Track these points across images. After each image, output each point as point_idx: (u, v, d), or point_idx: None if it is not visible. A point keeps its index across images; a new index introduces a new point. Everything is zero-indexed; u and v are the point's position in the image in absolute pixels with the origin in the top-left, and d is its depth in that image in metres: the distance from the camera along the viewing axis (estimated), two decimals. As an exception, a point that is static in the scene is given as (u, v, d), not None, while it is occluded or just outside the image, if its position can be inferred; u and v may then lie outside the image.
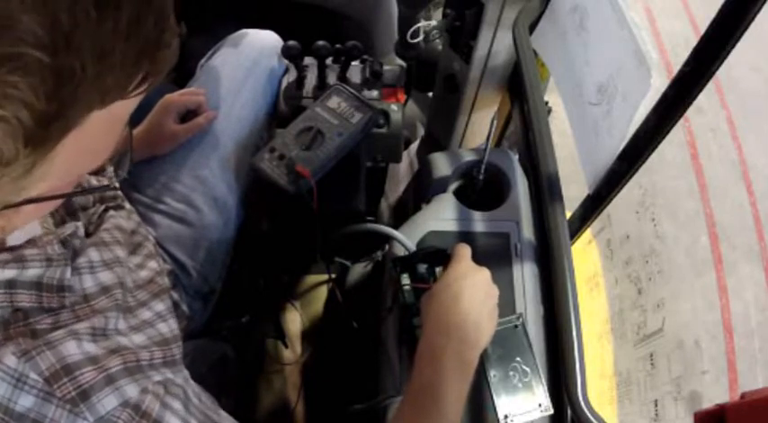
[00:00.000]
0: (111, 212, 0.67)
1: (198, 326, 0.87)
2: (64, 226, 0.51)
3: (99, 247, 0.56)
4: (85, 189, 0.54)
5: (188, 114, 0.87)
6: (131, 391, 0.43)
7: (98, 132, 0.33)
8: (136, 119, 0.85)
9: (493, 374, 0.66)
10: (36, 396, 0.39)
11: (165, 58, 0.33)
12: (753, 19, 0.45)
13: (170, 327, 0.57)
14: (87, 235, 0.58)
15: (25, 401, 0.38)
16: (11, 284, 0.42)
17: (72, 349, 0.42)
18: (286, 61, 0.98)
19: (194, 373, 0.55)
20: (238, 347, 0.98)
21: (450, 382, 0.56)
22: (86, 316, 0.47)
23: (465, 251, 0.67)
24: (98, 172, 0.80)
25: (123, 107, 0.34)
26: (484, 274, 0.65)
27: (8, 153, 0.28)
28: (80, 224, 0.53)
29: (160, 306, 0.59)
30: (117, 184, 0.76)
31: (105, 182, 0.74)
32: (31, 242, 0.46)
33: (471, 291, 0.61)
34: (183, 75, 1.01)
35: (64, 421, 0.39)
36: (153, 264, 0.67)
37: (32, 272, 0.43)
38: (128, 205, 0.75)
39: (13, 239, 0.45)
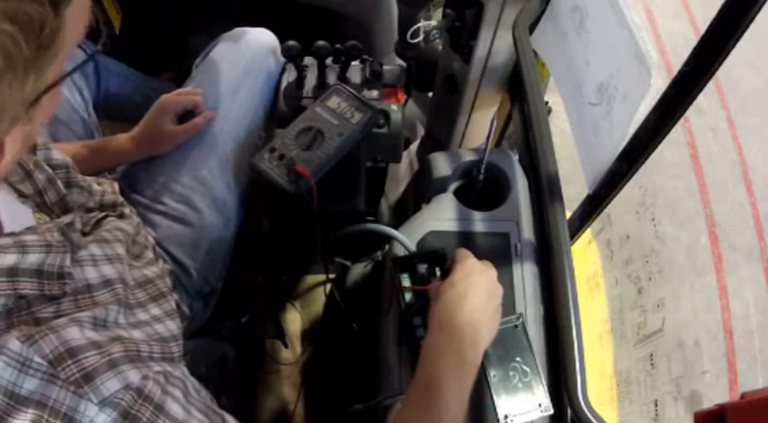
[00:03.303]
0: (112, 218, 0.67)
1: (198, 326, 0.87)
2: (61, 218, 0.52)
3: (100, 243, 0.56)
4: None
5: (186, 114, 0.87)
6: (133, 376, 0.44)
7: None
8: (134, 118, 0.86)
9: (493, 374, 0.66)
10: (40, 379, 0.39)
11: None
12: (753, 19, 0.45)
13: (168, 328, 0.58)
14: (84, 235, 0.58)
15: (30, 385, 0.39)
16: (13, 272, 0.42)
17: (75, 334, 0.42)
18: (285, 61, 0.98)
19: (194, 372, 0.55)
20: (238, 347, 0.98)
21: (450, 382, 0.56)
22: (88, 306, 0.47)
23: (466, 252, 0.67)
24: (98, 174, 0.80)
25: None
26: (489, 273, 0.65)
27: (38, 16, 0.33)
28: (77, 216, 0.54)
29: (158, 310, 0.60)
30: (117, 188, 0.76)
31: (107, 186, 0.74)
32: (30, 229, 0.46)
33: (475, 291, 0.61)
34: (182, 74, 1.01)
35: (68, 402, 0.40)
36: (154, 269, 0.67)
37: (33, 258, 0.44)
38: (127, 210, 0.74)
39: (12, 226, 0.46)
